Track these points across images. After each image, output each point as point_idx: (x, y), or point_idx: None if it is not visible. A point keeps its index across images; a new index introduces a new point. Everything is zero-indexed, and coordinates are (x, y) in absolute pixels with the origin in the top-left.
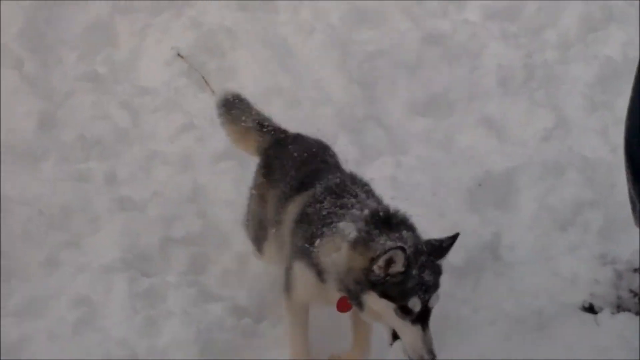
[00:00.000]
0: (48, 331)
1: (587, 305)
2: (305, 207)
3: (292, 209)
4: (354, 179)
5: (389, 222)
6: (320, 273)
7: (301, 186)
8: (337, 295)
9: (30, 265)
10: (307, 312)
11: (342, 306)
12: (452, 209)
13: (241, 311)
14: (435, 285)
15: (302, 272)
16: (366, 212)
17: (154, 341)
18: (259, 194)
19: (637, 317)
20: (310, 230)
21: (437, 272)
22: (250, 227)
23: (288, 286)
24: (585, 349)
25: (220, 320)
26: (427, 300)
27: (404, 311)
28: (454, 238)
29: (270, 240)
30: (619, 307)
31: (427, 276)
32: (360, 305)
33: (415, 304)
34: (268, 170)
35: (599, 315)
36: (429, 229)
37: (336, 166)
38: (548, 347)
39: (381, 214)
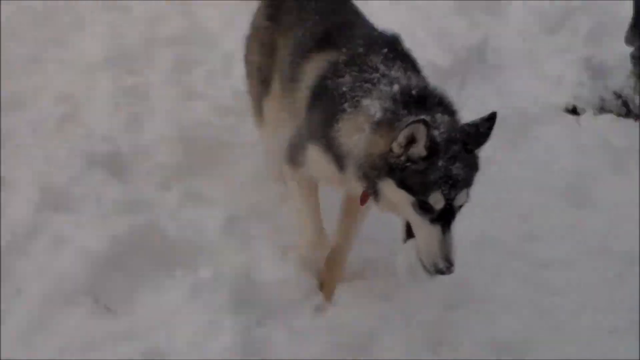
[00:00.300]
0: (32, 125)
1: (570, 107)
2: (326, 74)
3: (311, 72)
4: (385, 42)
5: (423, 102)
6: (339, 159)
7: (324, 41)
8: (356, 185)
9: (14, 61)
10: (317, 186)
11: (364, 199)
12: (440, 12)
13: (225, 110)
14: (465, 181)
15: (318, 157)
16: (395, 88)
17: (137, 137)
18: (262, 40)
19: (619, 119)
20: (330, 106)
21: (471, 166)
22: (250, 79)
23: (299, 161)
24: (566, 148)
25: (204, 118)
26: (453, 198)
27: (423, 207)
28: (491, 120)
29: (272, 97)
30: (602, 109)
31: (457, 169)
32: (376, 194)
33: (437, 200)
34: (276, 11)
35: (582, 116)
36: (417, 32)
37: (364, 22)
38: (530, 147)
39: (414, 92)
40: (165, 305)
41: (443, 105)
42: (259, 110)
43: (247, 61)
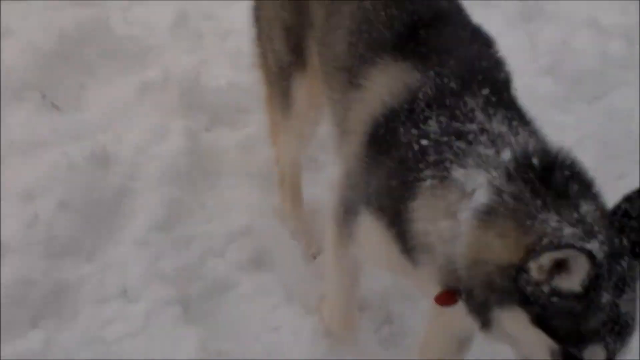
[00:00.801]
0: None
1: None
2: (400, 107)
3: (378, 89)
4: (489, 79)
5: (549, 177)
6: (410, 249)
7: (406, 42)
8: (431, 286)
9: None
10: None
11: (445, 299)
12: None
13: None
14: (634, 321)
15: (375, 234)
16: (507, 154)
17: None
18: None
19: None
20: (401, 166)
21: (635, 281)
22: (266, 44)
23: (348, 231)
24: None
25: None
26: (618, 351)
27: None
28: None
29: (309, 75)
30: None
31: (626, 304)
32: (487, 323)
33: (595, 355)
34: None
35: None
36: None
37: (462, 17)
38: None
39: (534, 161)
40: (112, 105)
41: (579, 181)
42: (282, 93)
43: (260, 17)
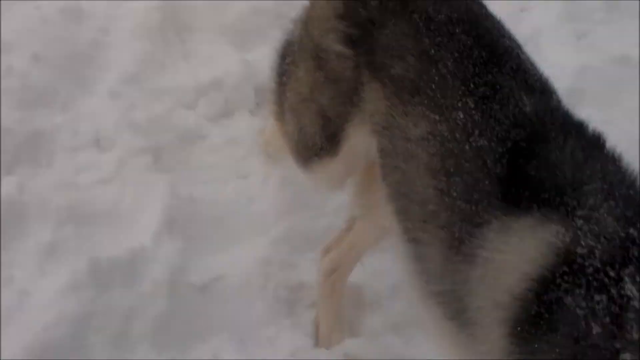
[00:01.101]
0: None
1: None
2: (554, 275)
3: (506, 260)
4: None
5: None
6: None
7: (512, 185)
8: None
9: None
10: None
11: None
12: None
13: None
14: None
15: None
16: None
17: None
18: (332, 72)
19: None
20: (580, 347)
21: None
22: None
23: None
24: None
25: None
26: None
27: None
28: None
29: (340, 159)
30: None
31: None
32: None
33: None
34: (364, 34)
35: None
36: None
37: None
38: None
39: None
40: None
41: None
42: (304, 160)
43: (287, 79)
